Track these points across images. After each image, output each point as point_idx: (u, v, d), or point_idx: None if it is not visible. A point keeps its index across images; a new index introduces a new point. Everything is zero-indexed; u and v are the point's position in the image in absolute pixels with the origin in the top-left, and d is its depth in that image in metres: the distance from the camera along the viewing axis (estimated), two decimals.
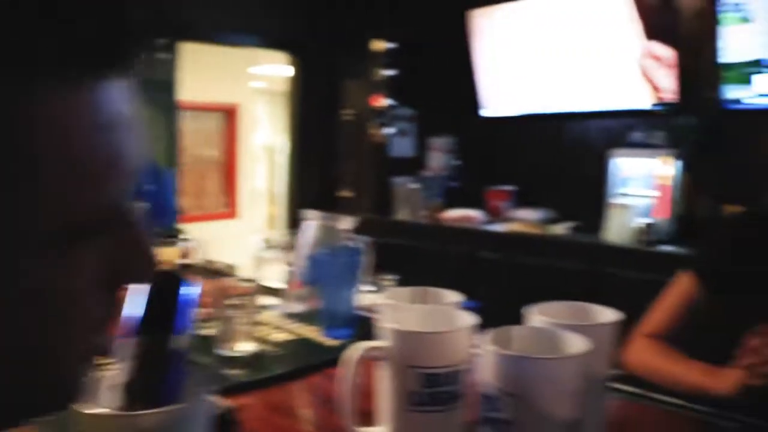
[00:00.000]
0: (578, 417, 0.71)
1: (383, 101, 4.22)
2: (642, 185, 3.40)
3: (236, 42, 4.58)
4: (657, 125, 3.47)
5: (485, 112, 4.14)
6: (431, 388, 0.78)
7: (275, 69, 5.92)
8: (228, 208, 7.49)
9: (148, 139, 3.92)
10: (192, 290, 0.60)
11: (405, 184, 4.25)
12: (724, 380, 1.12)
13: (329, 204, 4.60)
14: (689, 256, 1.50)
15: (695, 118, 3.32)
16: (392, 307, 0.90)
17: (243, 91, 7.41)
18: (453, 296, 0.95)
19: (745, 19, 3.03)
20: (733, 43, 3.08)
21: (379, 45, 4.15)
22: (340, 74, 4.50)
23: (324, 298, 1.44)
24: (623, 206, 3.32)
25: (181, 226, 3.84)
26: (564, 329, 0.77)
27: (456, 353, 0.78)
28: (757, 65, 3.04)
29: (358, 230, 4.31)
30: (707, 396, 1.15)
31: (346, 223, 1.56)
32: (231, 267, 2.67)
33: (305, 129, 4.56)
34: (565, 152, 3.95)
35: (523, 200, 4.02)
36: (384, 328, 0.81)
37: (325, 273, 1.45)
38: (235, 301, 1.34)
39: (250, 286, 1.38)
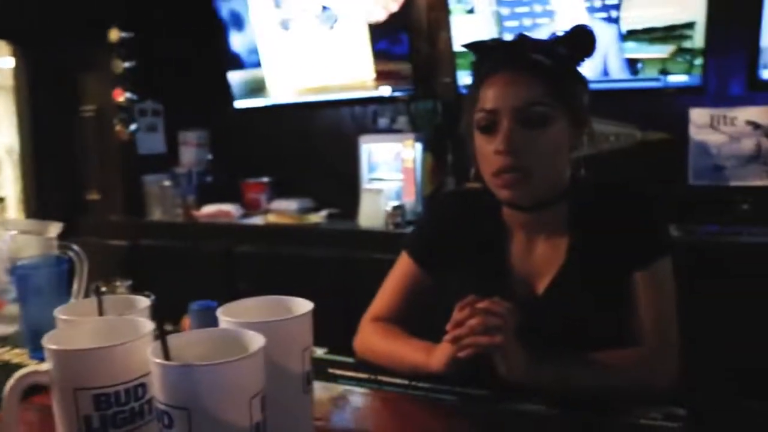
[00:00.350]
0: (261, 419, 0.67)
1: (125, 95, 3.94)
2: (391, 169, 3.53)
3: None
4: (400, 111, 3.61)
5: (238, 103, 4.05)
6: (104, 410, 0.70)
7: (6, 62, 5.32)
8: None
9: None
10: None
11: (156, 182, 4.03)
12: (437, 356, 1.15)
13: (77, 208, 4.24)
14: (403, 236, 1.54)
15: (434, 103, 3.50)
16: (65, 322, 0.80)
17: None
18: (144, 302, 0.87)
19: (471, 11, 3.24)
20: (463, 33, 3.28)
21: (115, 34, 3.86)
22: (75, 67, 4.14)
23: (28, 315, 1.29)
24: (374, 191, 3.41)
25: None
26: (247, 328, 0.72)
27: (128, 369, 0.71)
28: None
29: (108, 234, 4.04)
30: (426, 373, 1.18)
31: (52, 230, 1.40)
32: None
33: (40, 128, 4.13)
34: (318, 141, 3.99)
35: (281, 191, 4.00)
36: (46, 348, 0.71)
37: (28, 287, 1.29)
38: None
39: None
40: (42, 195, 4.20)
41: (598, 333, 1.24)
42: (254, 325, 0.74)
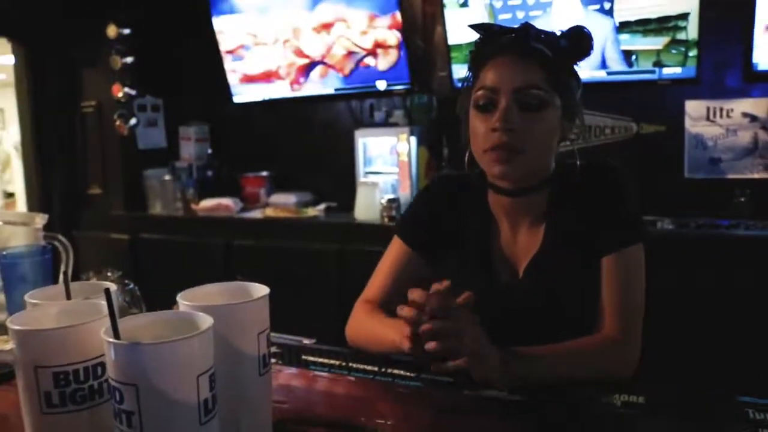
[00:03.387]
0: (210, 396, 0.70)
1: (125, 91, 3.99)
2: (386, 163, 3.56)
3: None
4: (396, 105, 3.64)
5: (238, 98, 4.08)
6: (63, 387, 0.74)
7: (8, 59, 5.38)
8: None
9: None
10: None
11: (157, 177, 4.08)
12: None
13: (79, 202, 4.30)
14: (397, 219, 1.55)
15: (429, 97, 3.52)
16: (33, 305, 0.84)
17: None
18: (104, 286, 0.90)
19: (464, 5, 3.26)
20: (457, 26, 3.29)
21: (113, 31, 3.90)
22: (76, 63, 4.19)
23: (13, 303, 1.32)
24: (370, 184, 3.44)
25: None
26: (202, 311, 0.75)
27: (87, 348, 0.74)
28: None
29: (109, 228, 4.08)
30: (404, 354, 1.18)
31: (38, 220, 1.44)
32: None
33: (42, 124, 4.19)
34: (316, 134, 4.02)
35: (280, 185, 4.04)
36: (9, 328, 0.74)
37: (13, 276, 1.33)
38: None
39: None
40: (45, 190, 4.25)
41: (573, 315, 1.27)
42: (209, 308, 0.77)
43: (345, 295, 3.08)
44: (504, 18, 3.15)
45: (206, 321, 0.72)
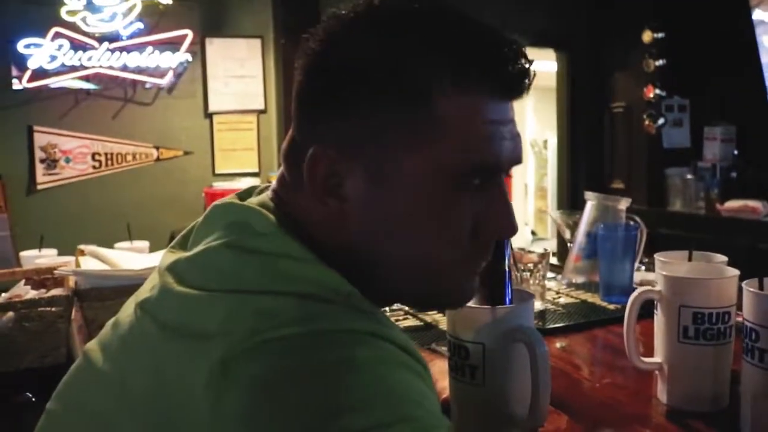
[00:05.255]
0: None
1: (656, 92, 4.21)
2: None
3: None
4: None
5: None
6: (699, 324, 0.96)
7: (541, 65, 6.07)
8: None
9: None
10: None
11: (679, 175, 4.21)
12: None
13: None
14: None
15: None
16: (663, 261, 1.09)
17: None
18: (719, 257, 1.11)
19: None
20: None
21: (648, 35, 4.15)
22: (608, 67, 4.56)
23: (603, 269, 1.63)
24: None
25: None
26: None
27: (721, 298, 0.95)
28: None
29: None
30: None
31: (623, 203, 1.73)
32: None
33: (574, 123, 4.69)
34: None
35: None
36: (659, 275, 1.00)
37: (603, 247, 1.63)
38: (528, 266, 1.59)
39: (539, 256, 1.61)
40: (572, 181, 4.75)
41: None
42: None
43: None
44: None
45: None
